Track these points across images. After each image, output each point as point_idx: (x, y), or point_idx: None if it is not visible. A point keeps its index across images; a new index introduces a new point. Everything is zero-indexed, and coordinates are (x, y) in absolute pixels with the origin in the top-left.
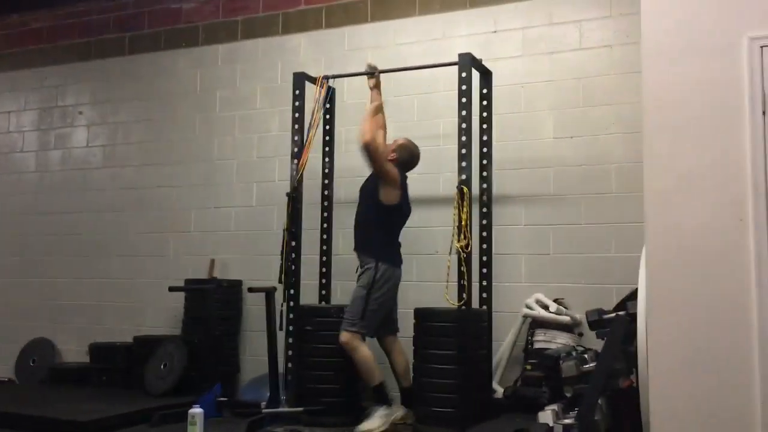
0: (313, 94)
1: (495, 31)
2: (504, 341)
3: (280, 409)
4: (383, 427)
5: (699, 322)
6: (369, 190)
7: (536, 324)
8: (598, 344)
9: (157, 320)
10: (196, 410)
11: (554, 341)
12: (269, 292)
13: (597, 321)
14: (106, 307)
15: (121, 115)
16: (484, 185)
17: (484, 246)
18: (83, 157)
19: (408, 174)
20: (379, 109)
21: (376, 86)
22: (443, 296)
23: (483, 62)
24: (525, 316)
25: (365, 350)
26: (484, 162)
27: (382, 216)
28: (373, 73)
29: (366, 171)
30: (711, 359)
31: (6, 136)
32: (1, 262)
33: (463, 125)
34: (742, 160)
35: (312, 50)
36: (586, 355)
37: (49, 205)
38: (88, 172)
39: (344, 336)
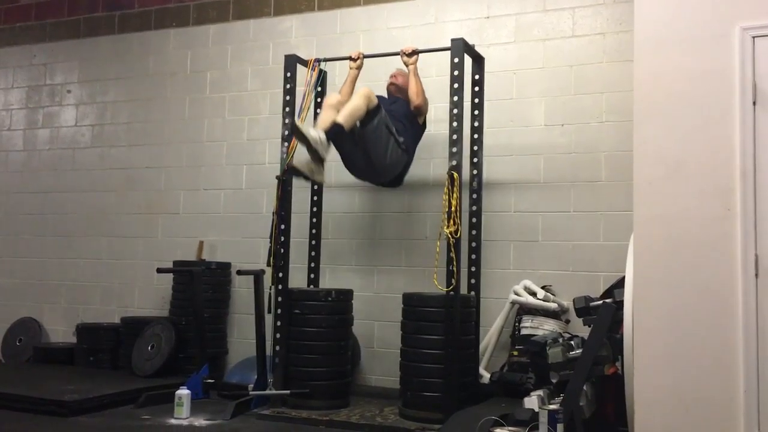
0: (304, 76)
1: (488, 17)
2: (491, 327)
3: (267, 392)
4: (312, 141)
5: (685, 310)
6: (407, 119)
7: (524, 310)
8: (584, 331)
9: (144, 301)
10: (183, 391)
11: (541, 328)
12: (258, 275)
13: (584, 308)
14: (93, 288)
15: (110, 94)
16: (475, 171)
17: (474, 232)
18: (71, 136)
19: None
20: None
21: (359, 68)
22: (432, 281)
23: (475, 48)
24: (513, 303)
25: (363, 104)
26: (475, 148)
27: (420, 134)
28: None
29: None
30: (696, 347)
31: None
32: None
33: (455, 111)
34: (731, 150)
35: (304, 32)
36: (572, 342)
37: (37, 184)
38: (76, 151)
39: (368, 90)
